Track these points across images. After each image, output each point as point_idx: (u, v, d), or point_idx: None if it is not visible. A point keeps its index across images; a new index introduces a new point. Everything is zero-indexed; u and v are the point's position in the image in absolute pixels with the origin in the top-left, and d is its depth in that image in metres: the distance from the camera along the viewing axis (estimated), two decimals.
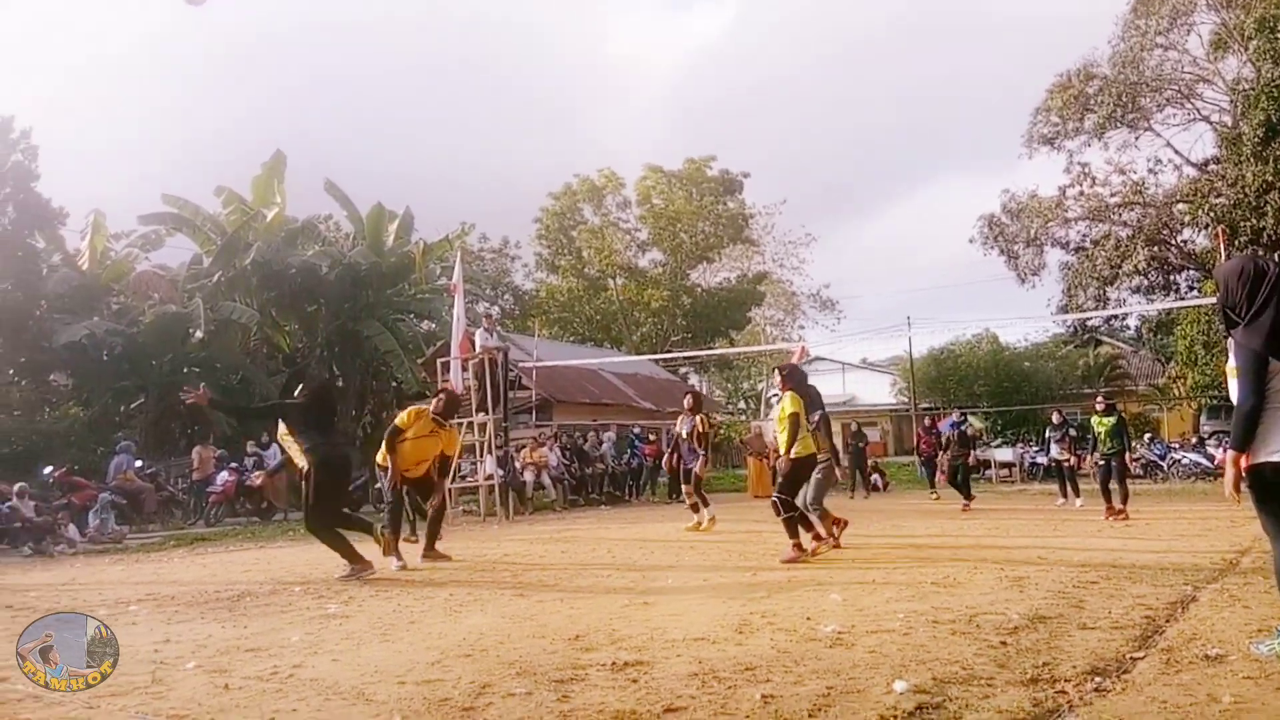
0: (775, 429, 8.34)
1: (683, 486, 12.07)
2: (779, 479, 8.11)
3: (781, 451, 8.02)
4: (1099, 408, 12.94)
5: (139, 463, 16.47)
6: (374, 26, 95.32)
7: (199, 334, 22.02)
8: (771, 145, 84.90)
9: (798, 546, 7.77)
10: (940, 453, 17.59)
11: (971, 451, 17.04)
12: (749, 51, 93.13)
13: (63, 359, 20.62)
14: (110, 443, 17.54)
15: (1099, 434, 12.61)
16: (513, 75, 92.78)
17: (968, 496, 15.17)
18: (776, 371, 8.79)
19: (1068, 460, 15.28)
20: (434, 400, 9.02)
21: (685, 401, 12.22)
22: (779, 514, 7.80)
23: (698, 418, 11.58)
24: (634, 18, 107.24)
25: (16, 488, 13.08)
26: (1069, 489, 15.44)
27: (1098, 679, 3.62)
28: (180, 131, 76.06)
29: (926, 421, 19.81)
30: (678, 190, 40.82)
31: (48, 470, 15.34)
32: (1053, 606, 5.20)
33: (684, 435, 11.74)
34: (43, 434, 19.15)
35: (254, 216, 24.19)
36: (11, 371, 21.06)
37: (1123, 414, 13.65)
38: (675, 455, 12.16)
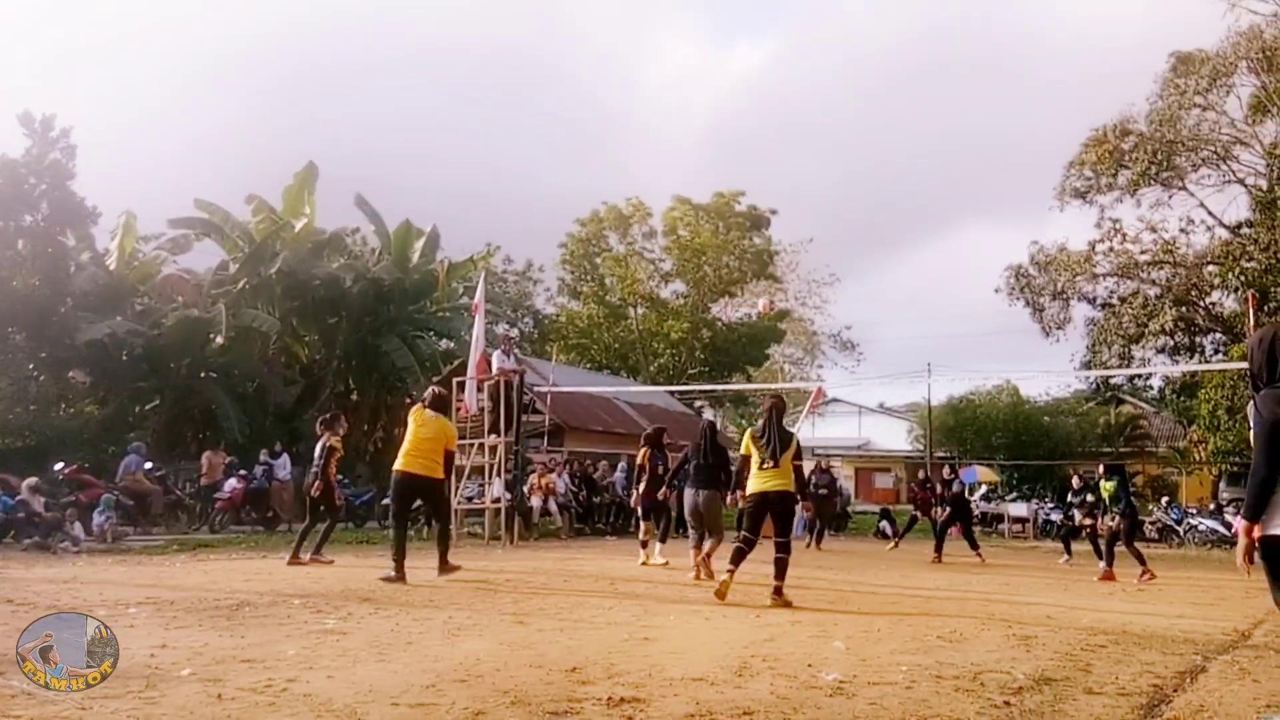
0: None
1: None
2: None
3: None
4: (1100, 470, 13.02)
5: (149, 465, 16.52)
6: (415, 47, 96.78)
7: (219, 339, 22.17)
8: (801, 182, 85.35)
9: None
10: (936, 506, 17.48)
11: (970, 506, 17.16)
12: (785, 88, 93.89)
13: (83, 356, 20.77)
14: (123, 442, 17.62)
15: (1105, 498, 12.66)
16: (548, 100, 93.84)
17: (974, 547, 15.30)
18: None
19: (1088, 527, 15.01)
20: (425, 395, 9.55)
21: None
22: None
23: (641, 451, 12.00)
24: (674, 48, 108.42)
25: (27, 482, 13.14)
26: (1069, 548, 15.54)
27: None
28: (217, 139, 77.17)
29: (921, 475, 19.72)
30: (705, 223, 40.95)
31: (59, 466, 15.42)
32: (1059, 668, 5.11)
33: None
34: (57, 430, 19.26)
35: (282, 226, 24.41)
36: (32, 366, 21.24)
37: (1126, 474, 13.66)
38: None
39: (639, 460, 11.88)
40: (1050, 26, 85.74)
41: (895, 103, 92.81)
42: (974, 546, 15.55)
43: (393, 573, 8.53)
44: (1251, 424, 3.90)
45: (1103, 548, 12.91)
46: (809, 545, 16.41)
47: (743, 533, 8.00)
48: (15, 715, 3.52)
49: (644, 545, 11.62)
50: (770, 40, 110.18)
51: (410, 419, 9.19)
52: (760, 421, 8.15)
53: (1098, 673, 5.05)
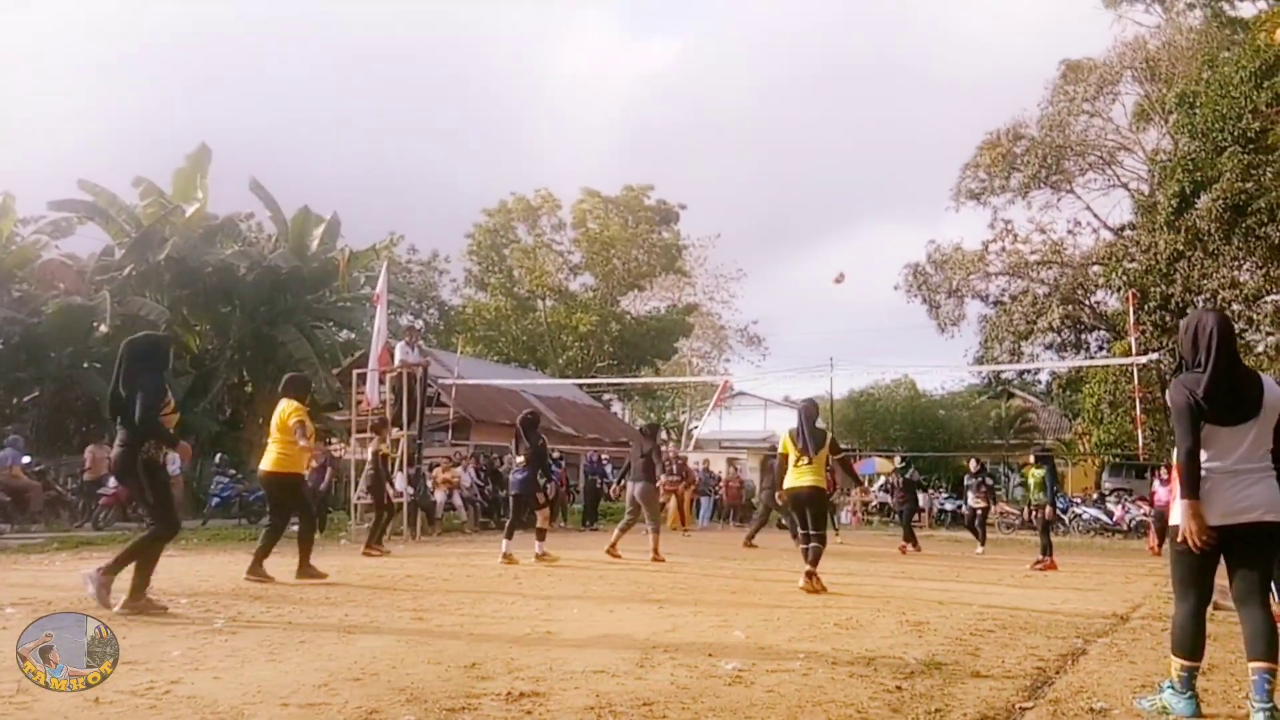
0: None
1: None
2: None
3: None
4: (1030, 459, 13.31)
5: (27, 458, 15.68)
6: (315, 22, 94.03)
7: (103, 328, 21.17)
8: (710, 178, 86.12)
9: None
10: (834, 492, 17.81)
11: (917, 495, 17.36)
12: (695, 85, 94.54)
13: None
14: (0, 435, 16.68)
15: (1029, 484, 12.96)
16: (457, 86, 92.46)
17: (909, 539, 15.55)
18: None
19: (981, 507, 15.56)
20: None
21: None
22: None
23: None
24: (584, 39, 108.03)
25: None
26: (979, 536, 15.76)
27: None
28: (101, 116, 73.62)
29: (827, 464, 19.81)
30: (614, 216, 41.02)
31: None
32: (949, 653, 5.26)
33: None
34: None
35: (172, 210, 23.43)
36: None
37: (1054, 463, 14.02)
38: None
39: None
40: (951, 30, 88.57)
41: (802, 101, 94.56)
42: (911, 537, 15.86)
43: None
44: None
45: (980, 531, 13.28)
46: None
47: (801, 531, 8.46)
48: None
49: (540, 537, 11.12)
50: (681, 35, 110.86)
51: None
52: (796, 422, 8.52)
53: (985, 656, 5.22)
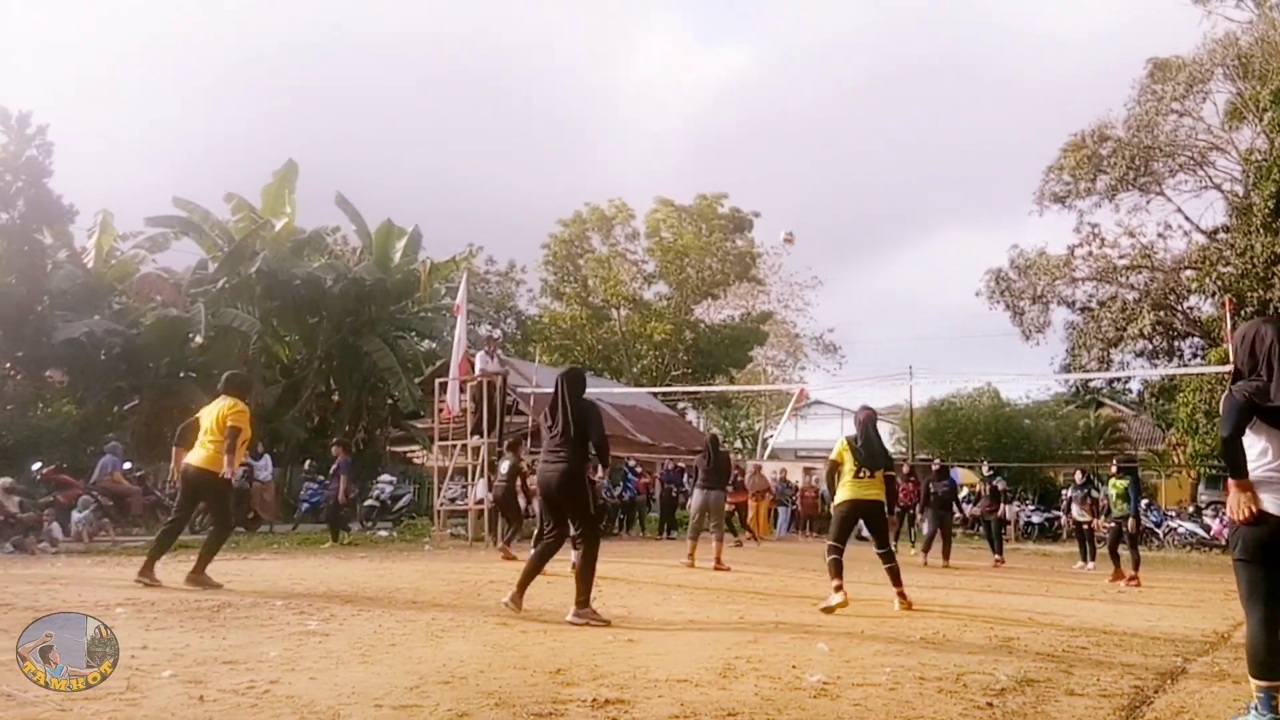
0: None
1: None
2: None
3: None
4: (1113, 469, 12.85)
5: (127, 465, 16.36)
6: (397, 43, 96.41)
7: (198, 339, 21.99)
8: (784, 185, 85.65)
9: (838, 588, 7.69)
10: (917, 504, 17.43)
11: (1003, 506, 16.79)
12: (768, 91, 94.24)
13: (61, 355, 20.56)
14: (101, 442, 17.44)
15: (1111, 495, 12.53)
16: (531, 100, 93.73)
17: (998, 552, 15.11)
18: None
19: (1088, 521, 14.93)
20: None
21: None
22: None
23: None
24: (654, 48, 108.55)
25: (2, 483, 12.98)
26: (1088, 552, 15.13)
27: None
28: (196, 136, 76.63)
29: (905, 469, 19.07)
30: (687, 225, 41.03)
31: (36, 466, 15.24)
32: (1041, 670, 5.13)
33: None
34: (34, 429, 19.04)
35: (262, 225, 24.26)
36: (8, 365, 20.98)
37: (1138, 476, 13.46)
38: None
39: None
40: (1028, 31, 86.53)
41: (877, 105, 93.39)
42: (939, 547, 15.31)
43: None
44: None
45: (1097, 547, 12.86)
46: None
47: (831, 542, 7.83)
48: None
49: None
50: (751, 40, 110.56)
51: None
52: (856, 431, 8.04)
53: (1079, 674, 5.08)
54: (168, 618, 6.08)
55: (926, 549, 14.70)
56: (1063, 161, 28.07)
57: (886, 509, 8.11)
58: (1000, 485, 16.68)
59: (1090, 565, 14.70)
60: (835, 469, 7.97)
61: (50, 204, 20.33)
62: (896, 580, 7.88)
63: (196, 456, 8.02)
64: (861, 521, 8.03)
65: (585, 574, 6.47)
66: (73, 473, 15.70)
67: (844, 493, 7.81)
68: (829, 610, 7.27)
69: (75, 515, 13.43)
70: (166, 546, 8.17)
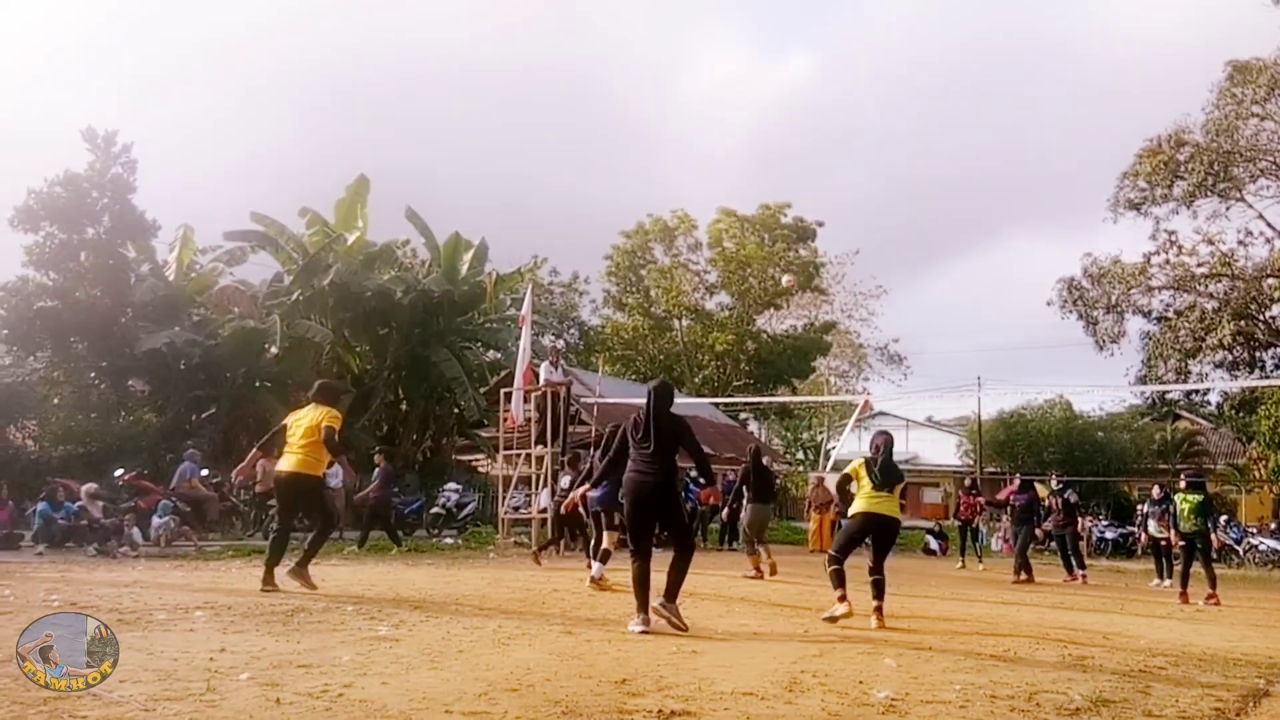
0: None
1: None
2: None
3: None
4: (1183, 484, 12.42)
5: (204, 471, 16.84)
6: (460, 64, 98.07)
7: (274, 350, 22.58)
8: (846, 194, 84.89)
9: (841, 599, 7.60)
10: (976, 517, 17.05)
11: (1079, 520, 16.39)
12: (828, 99, 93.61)
13: (143, 365, 21.29)
14: (180, 450, 18.00)
15: (1182, 511, 12.10)
16: (596, 112, 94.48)
17: (1081, 566, 14.85)
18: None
19: (1166, 538, 14.42)
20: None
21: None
22: None
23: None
24: (714, 60, 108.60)
25: (86, 488, 13.50)
26: (1165, 569, 14.64)
27: None
28: (272, 153, 78.83)
29: (967, 482, 18.65)
30: (750, 235, 40.86)
31: (118, 473, 15.80)
32: (1117, 690, 5.00)
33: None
34: (117, 436, 19.74)
35: (335, 239, 24.87)
36: (93, 374, 21.80)
37: (1209, 493, 13.00)
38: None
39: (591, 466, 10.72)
40: (1094, 34, 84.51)
41: (940, 112, 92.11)
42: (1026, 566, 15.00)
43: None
44: None
45: (1174, 565, 12.41)
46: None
47: (833, 553, 7.78)
48: (81, 715, 3.60)
49: (602, 558, 9.65)
50: (812, 51, 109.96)
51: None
52: (872, 453, 7.95)
53: (1157, 695, 4.94)
54: (244, 621, 6.26)
55: (1017, 570, 14.38)
56: (1138, 167, 27.30)
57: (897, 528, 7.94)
58: (1073, 498, 16.21)
59: (1167, 583, 14.24)
60: (848, 482, 7.96)
61: (134, 219, 21.12)
62: (879, 594, 7.61)
63: (289, 463, 8.14)
64: (870, 538, 7.81)
65: (679, 579, 6.74)
66: (153, 479, 16.23)
67: (860, 505, 7.74)
68: (833, 620, 7.26)
69: (155, 521, 13.86)
70: (280, 554, 8.34)
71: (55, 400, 20.75)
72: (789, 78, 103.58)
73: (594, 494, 9.62)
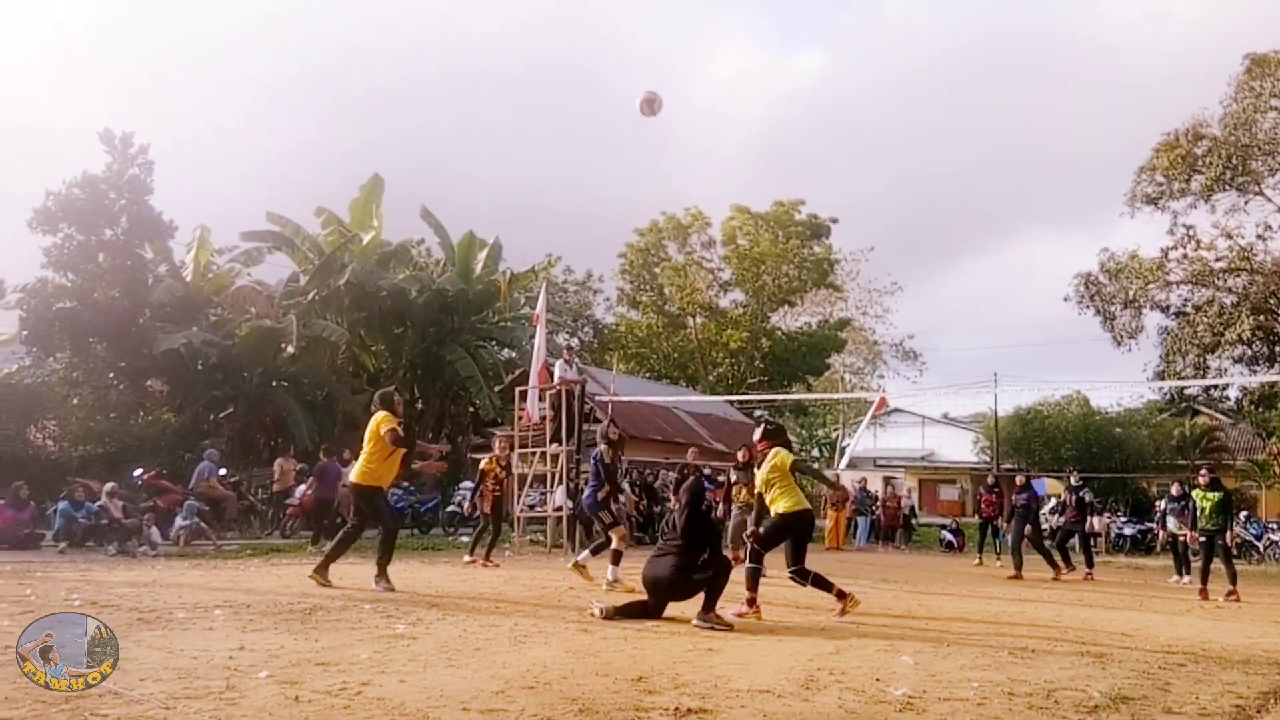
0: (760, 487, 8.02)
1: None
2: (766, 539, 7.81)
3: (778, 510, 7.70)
4: (1202, 480, 12.31)
5: (222, 471, 16.95)
6: (471, 64, 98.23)
7: (290, 349, 22.73)
8: (861, 190, 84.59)
9: (752, 602, 7.47)
10: (1000, 516, 16.96)
11: (1089, 518, 16.33)
12: (841, 95, 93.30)
13: (160, 365, 21.45)
14: (199, 449, 18.14)
15: (1202, 508, 12.01)
16: (608, 110, 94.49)
17: (1089, 564, 14.78)
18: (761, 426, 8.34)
19: (1184, 534, 14.32)
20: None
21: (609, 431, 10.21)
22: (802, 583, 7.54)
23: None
24: (724, 56, 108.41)
25: (107, 488, 13.61)
26: (1184, 565, 14.66)
27: None
28: (287, 154, 79.20)
29: (990, 479, 18.55)
30: (764, 232, 40.77)
31: (137, 473, 15.92)
32: (1136, 687, 4.97)
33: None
34: (135, 437, 19.90)
35: (350, 239, 25.00)
36: (111, 375, 21.99)
37: (1227, 490, 12.89)
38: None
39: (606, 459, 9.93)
40: (1108, 27, 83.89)
41: (954, 107, 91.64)
42: (1050, 560, 15.00)
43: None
44: None
45: (1191, 561, 12.35)
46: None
47: (755, 548, 7.72)
48: (103, 714, 3.64)
49: (615, 560, 9.46)
50: (823, 45, 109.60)
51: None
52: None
53: (1177, 692, 4.91)
54: (263, 620, 6.30)
55: (1054, 563, 14.43)
56: (1155, 162, 27.07)
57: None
58: (1088, 496, 16.13)
59: (1186, 579, 14.18)
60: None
61: (151, 220, 21.29)
62: (754, 585, 7.57)
63: (352, 473, 8.83)
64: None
65: (715, 593, 6.82)
66: (171, 479, 16.36)
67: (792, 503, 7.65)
68: (740, 616, 7.24)
69: (178, 521, 13.97)
70: (343, 550, 8.69)
71: (75, 400, 20.92)
72: (801, 73, 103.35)
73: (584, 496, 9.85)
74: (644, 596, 7.23)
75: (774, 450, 7.83)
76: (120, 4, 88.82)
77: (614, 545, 9.47)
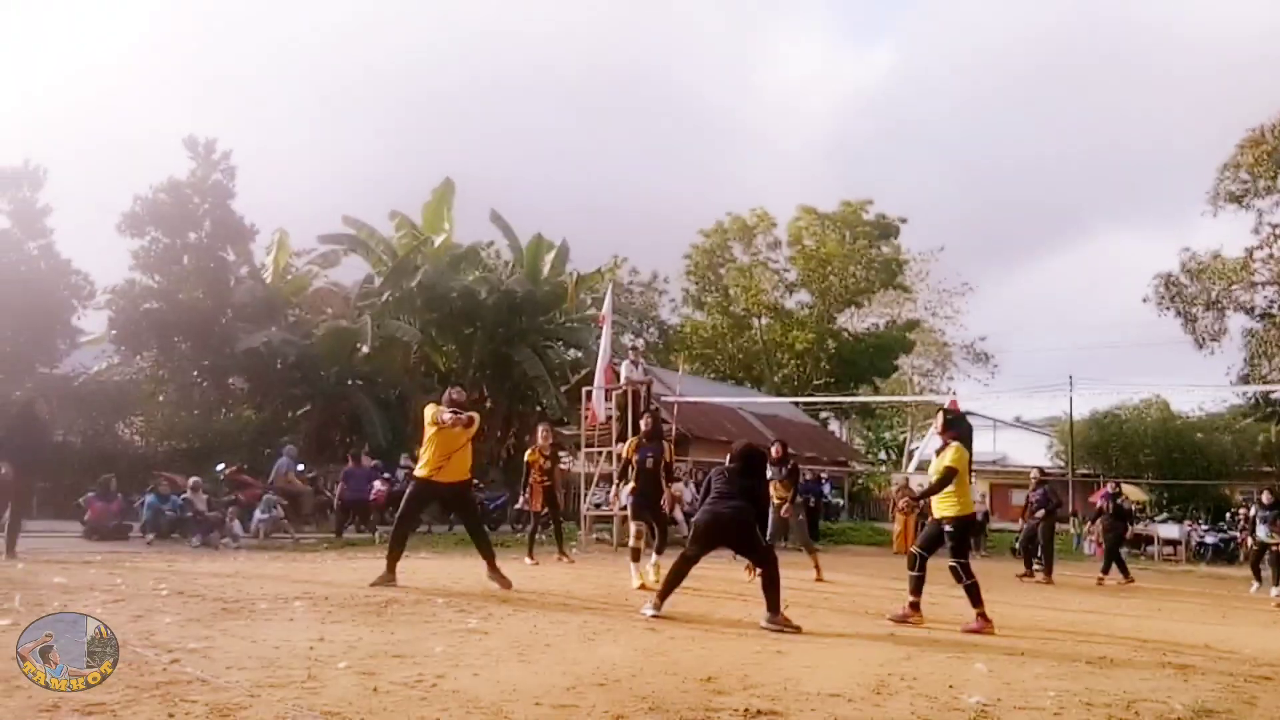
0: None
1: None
2: (932, 540, 7.70)
3: (939, 511, 7.58)
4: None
5: (300, 466, 17.38)
6: (538, 67, 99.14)
7: (365, 349, 23.23)
8: (931, 189, 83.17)
9: (982, 616, 7.26)
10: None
11: (1129, 526, 15.96)
12: (909, 93, 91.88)
13: (242, 364, 22.10)
14: (277, 445, 18.63)
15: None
16: (672, 111, 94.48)
17: (1115, 569, 14.42)
18: (940, 415, 8.04)
19: (1276, 543, 13.92)
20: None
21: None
22: (958, 580, 7.40)
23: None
24: (792, 56, 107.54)
25: (191, 482, 14.10)
26: (1277, 576, 14.25)
27: None
28: (363, 159, 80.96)
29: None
30: (831, 232, 40.39)
31: (220, 467, 16.44)
32: (1221, 700, 4.83)
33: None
34: (218, 433, 20.51)
35: (423, 241, 25.47)
36: (196, 373, 22.71)
37: None
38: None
39: (625, 453, 9.81)
40: (1190, 16, 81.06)
41: (1026, 102, 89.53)
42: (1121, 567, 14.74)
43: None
44: None
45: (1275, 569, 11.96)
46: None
47: (919, 554, 7.71)
48: (191, 700, 3.78)
49: (634, 558, 9.52)
50: (893, 41, 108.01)
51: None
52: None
53: (1264, 705, 4.76)
54: (340, 611, 6.48)
55: (1030, 564, 14.56)
56: (1240, 158, 26.19)
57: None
58: (1126, 505, 15.85)
59: (1275, 590, 13.71)
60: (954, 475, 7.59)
61: (233, 224, 21.97)
62: (917, 589, 7.60)
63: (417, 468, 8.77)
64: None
65: (774, 593, 6.84)
66: (251, 473, 16.84)
67: (962, 508, 7.59)
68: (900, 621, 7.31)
69: (258, 515, 14.39)
70: (485, 547, 8.78)
71: (160, 397, 21.65)
72: (870, 69, 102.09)
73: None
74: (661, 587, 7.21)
75: (952, 445, 7.50)
76: (200, 10, 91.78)
77: (630, 543, 9.64)
